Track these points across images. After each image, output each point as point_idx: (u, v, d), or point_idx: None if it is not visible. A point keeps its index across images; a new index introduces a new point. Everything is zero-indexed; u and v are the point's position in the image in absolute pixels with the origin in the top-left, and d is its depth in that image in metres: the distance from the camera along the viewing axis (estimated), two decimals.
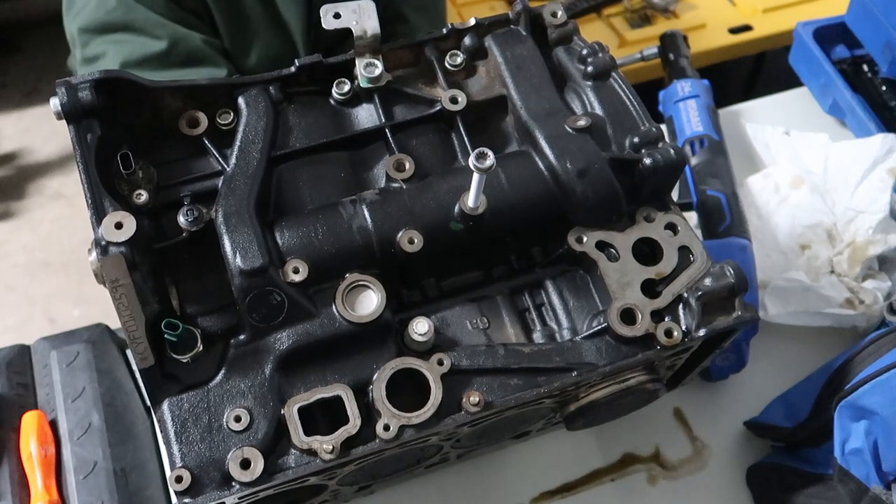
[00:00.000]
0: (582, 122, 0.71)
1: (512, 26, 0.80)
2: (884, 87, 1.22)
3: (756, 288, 0.96)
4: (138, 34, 1.14)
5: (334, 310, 0.64)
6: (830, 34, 1.27)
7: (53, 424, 0.94)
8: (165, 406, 0.62)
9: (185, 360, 0.63)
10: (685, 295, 0.68)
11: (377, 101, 0.75)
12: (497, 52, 0.78)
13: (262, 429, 0.61)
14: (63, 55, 1.31)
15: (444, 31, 0.78)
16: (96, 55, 1.15)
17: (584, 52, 0.77)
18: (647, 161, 0.70)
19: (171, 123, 0.72)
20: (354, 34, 0.73)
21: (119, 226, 0.60)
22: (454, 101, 0.75)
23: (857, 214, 1.03)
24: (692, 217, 1.04)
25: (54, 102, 0.66)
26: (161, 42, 1.13)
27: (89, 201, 0.63)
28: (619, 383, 0.68)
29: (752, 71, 1.97)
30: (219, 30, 1.23)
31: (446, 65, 0.78)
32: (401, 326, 0.66)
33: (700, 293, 0.67)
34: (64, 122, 0.66)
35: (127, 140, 0.69)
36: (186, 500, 0.59)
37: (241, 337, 0.64)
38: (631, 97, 0.75)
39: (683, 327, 0.68)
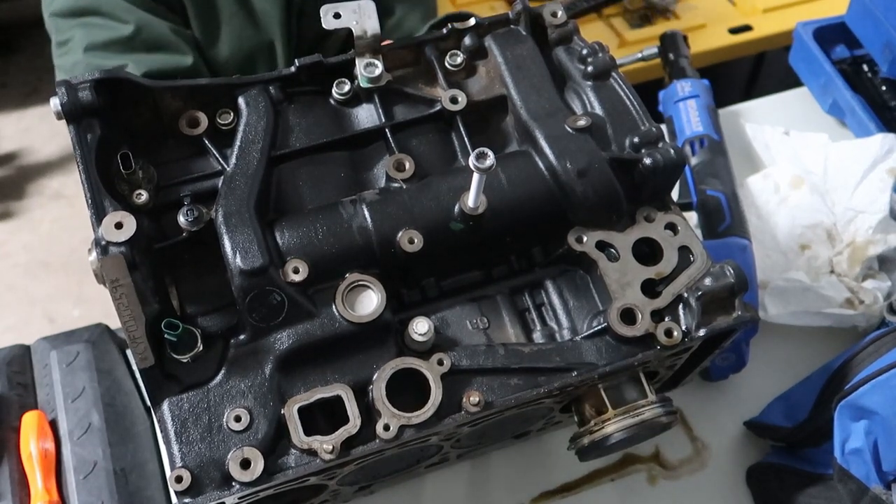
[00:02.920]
0: (582, 122, 0.71)
1: (512, 26, 0.80)
2: (884, 87, 1.23)
3: (756, 288, 0.96)
4: (105, 18, 1.16)
5: (334, 310, 0.64)
6: (830, 34, 1.27)
7: (53, 424, 0.93)
8: (165, 406, 0.62)
9: (185, 360, 0.63)
10: (685, 295, 0.68)
11: (377, 100, 0.75)
12: (497, 51, 0.78)
13: (262, 429, 0.61)
14: None
15: (444, 31, 0.78)
16: (66, 39, 1.17)
17: (584, 52, 0.77)
18: (648, 161, 0.70)
19: (172, 123, 0.72)
20: (354, 34, 0.73)
21: (119, 226, 0.60)
22: (454, 100, 0.75)
23: (856, 214, 1.03)
24: (692, 217, 1.04)
25: (54, 102, 0.66)
26: (127, 26, 1.15)
27: (89, 201, 0.63)
28: (633, 417, 0.67)
29: (752, 71, 1.96)
30: (190, 21, 1.24)
31: (446, 65, 0.78)
32: (401, 326, 0.65)
33: (700, 293, 0.67)
34: (64, 122, 0.66)
35: (127, 140, 0.69)
36: (186, 500, 0.59)
37: (242, 337, 0.64)
38: (631, 97, 0.75)
39: (683, 327, 0.68)
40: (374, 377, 0.63)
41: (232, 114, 0.72)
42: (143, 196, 0.66)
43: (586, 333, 0.68)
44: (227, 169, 0.69)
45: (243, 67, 1.28)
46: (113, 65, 1.12)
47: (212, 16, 1.24)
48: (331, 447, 0.60)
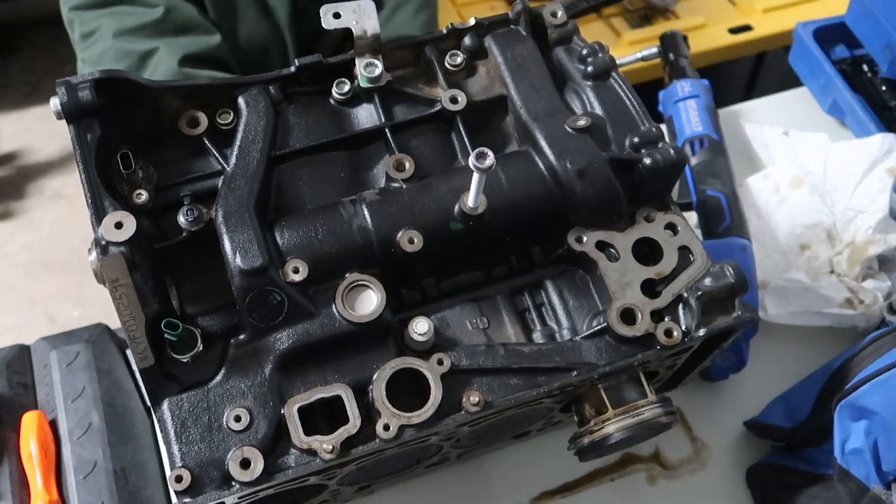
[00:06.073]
0: (582, 122, 0.71)
1: (512, 26, 0.80)
2: (884, 87, 1.23)
3: (756, 288, 0.96)
4: (133, 5, 1.17)
5: (334, 310, 0.64)
6: (830, 34, 1.27)
7: (53, 424, 0.93)
8: (165, 406, 0.62)
9: (185, 360, 0.63)
10: (685, 295, 0.68)
11: (377, 100, 0.75)
12: (497, 51, 0.78)
13: (262, 428, 0.61)
14: (63, 55, 1.32)
15: (444, 30, 0.78)
16: (92, 30, 1.17)
17: (584, 52, 0.77)
18: (647, 161, 0.70)
19: (171, 123, 0.72)
20: (354, 34, 0.73)
21: (119, 226, 0.60)
22: (454, 100, 0.75)
23: (856, 214, 1.03)
24: (692, 217, 1.04)
25: (54, 102, 0.66)
26: (157, 10, 1.17)
27: (89, 201, 0.63)
28: (633, 417, 0.67)
29: (752, 71, 1.96)
30: (207, 9, 1.26)
31: (446, 65, 0.78)
32: (401, 326, 0.66)
33: (700, 293, 0.67)
34: (64, 121, 0.66)
35: (127, 140, 0.69)
36: (186, 500, 0.59)
37: (241, 337, 0.64)
38: (631, 97, 0.75)
39: (683, 327, 0.68)
40: (374, 377, 0.63)
41: (232, 114, 0.72)
42: (142, 196, 0.66)
43: (586, 333, 0.68)
44: (227, 169, 0.69)
45: (257, 58, 1.29)
46: (143, 49, 1.13)
47: (228, 6, 1.26)
48: (331, 447, 0.60)
